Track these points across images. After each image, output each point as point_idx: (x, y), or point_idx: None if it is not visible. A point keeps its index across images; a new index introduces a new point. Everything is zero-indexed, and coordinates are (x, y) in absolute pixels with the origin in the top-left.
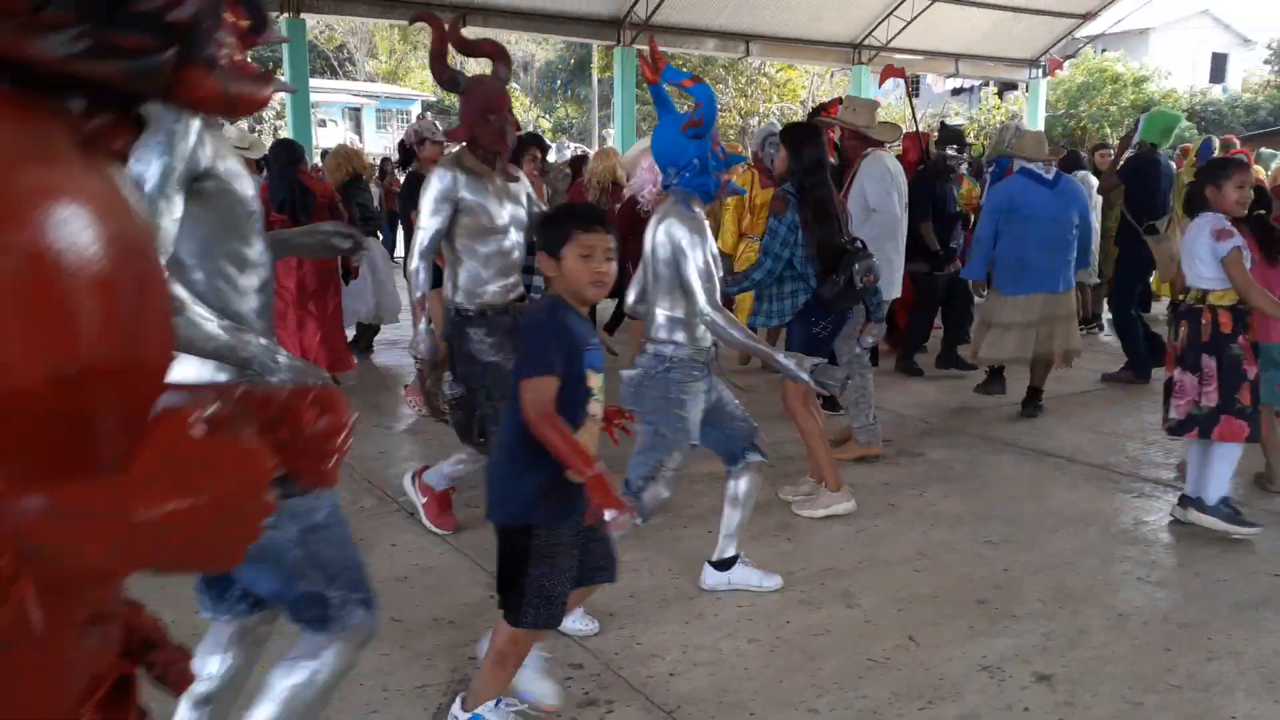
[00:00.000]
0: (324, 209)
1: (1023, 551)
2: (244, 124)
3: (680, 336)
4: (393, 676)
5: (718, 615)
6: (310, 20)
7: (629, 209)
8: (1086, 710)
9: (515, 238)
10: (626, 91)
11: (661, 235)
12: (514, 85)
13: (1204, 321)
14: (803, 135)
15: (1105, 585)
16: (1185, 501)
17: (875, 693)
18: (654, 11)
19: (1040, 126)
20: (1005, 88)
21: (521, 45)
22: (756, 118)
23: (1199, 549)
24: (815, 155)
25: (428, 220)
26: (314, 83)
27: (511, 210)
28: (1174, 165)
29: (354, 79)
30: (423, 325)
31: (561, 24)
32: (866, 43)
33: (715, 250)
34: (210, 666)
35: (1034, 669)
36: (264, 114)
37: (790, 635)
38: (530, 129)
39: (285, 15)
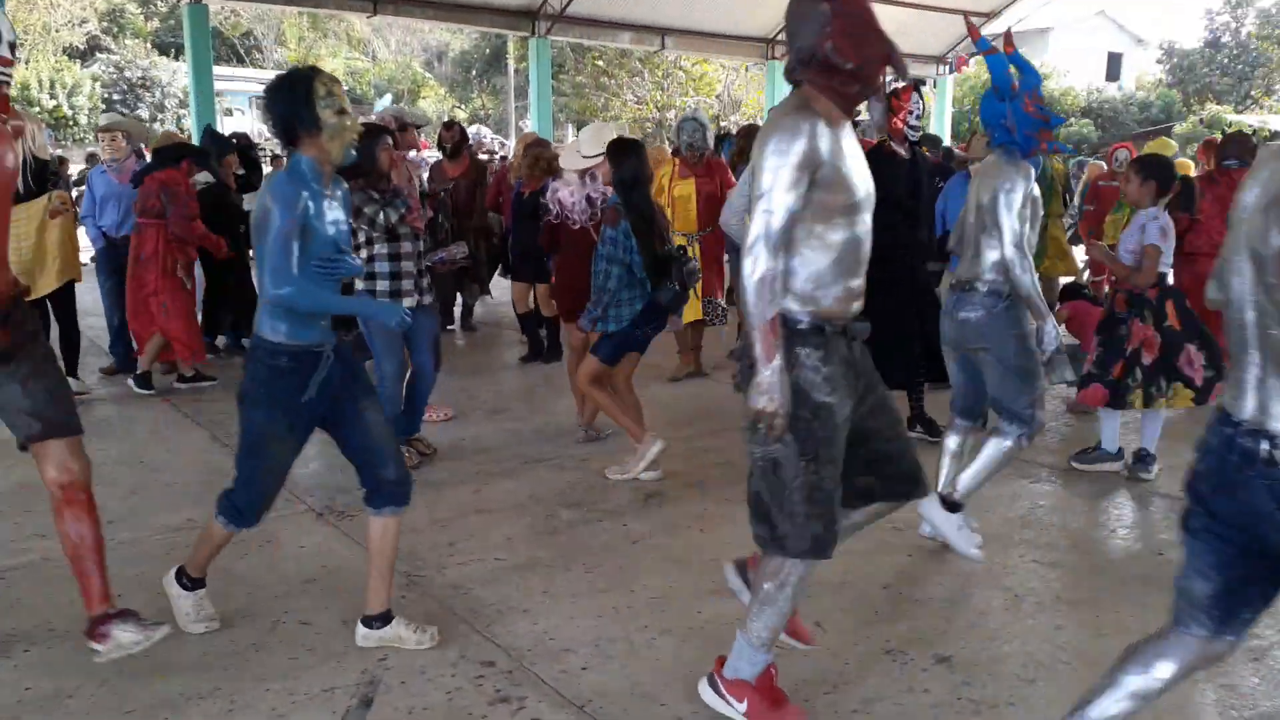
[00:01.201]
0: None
1: (924, 538)
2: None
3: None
4: (300, 680)
5: (631, 608)
6: (214, 5)
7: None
8: (983, 689)
9: (868, 223)
10: (543, 83)
11: (986, 183)
12: (428, 75)
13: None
14: (623, 150)
15: (1003, 568)
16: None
17: (782, 680)
18: (569, 3)
19: (947, 122)
20: (917, 83)
21: (436, 34)
22: (674, 111)
23: (1090, 532)
24: (634, 170)
25: (781, 196)
26: (219, 70)
27: (866, 179)
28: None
29: (262, 67)
30: (777, 362)
31: (475, 14)
32: (780, 38)
33: (1036, 195)
34: None
35: (935, 651)
36: (167, 102)
37: (702, 625)
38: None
39: (187, 2)
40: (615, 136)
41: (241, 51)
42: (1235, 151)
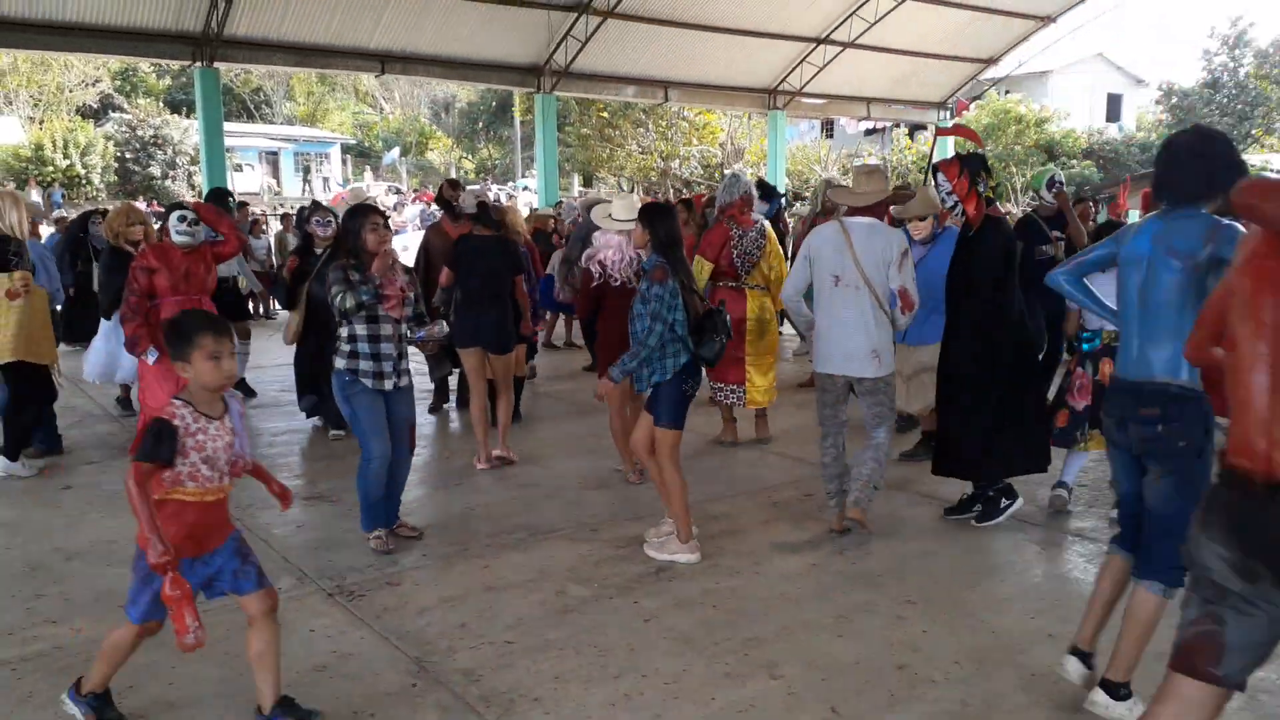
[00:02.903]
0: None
1: (940, 611)
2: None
3: None
4: None
5: (643, 695)
6: (224, 66)
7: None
8: None
9: None
10: (548, 137)
11: None
12: (435, 126)
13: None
14: (659, 213)
15: (1019, 644)
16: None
17: None
18: (573, 59)
19: None
20: (915, 128)
21: (443, 87)
22: (678, 160)
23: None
24: (671, 231)
25: None
26: (229, 126)
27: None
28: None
29: (271, 122)
30: None
31: (482, 71)
32: (781, 88)
33: None
34: None
35: None
36: (178, 159)
37: (717, 713)
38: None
39: (198, 65)
40: (646, 202)
41: (251, 107)
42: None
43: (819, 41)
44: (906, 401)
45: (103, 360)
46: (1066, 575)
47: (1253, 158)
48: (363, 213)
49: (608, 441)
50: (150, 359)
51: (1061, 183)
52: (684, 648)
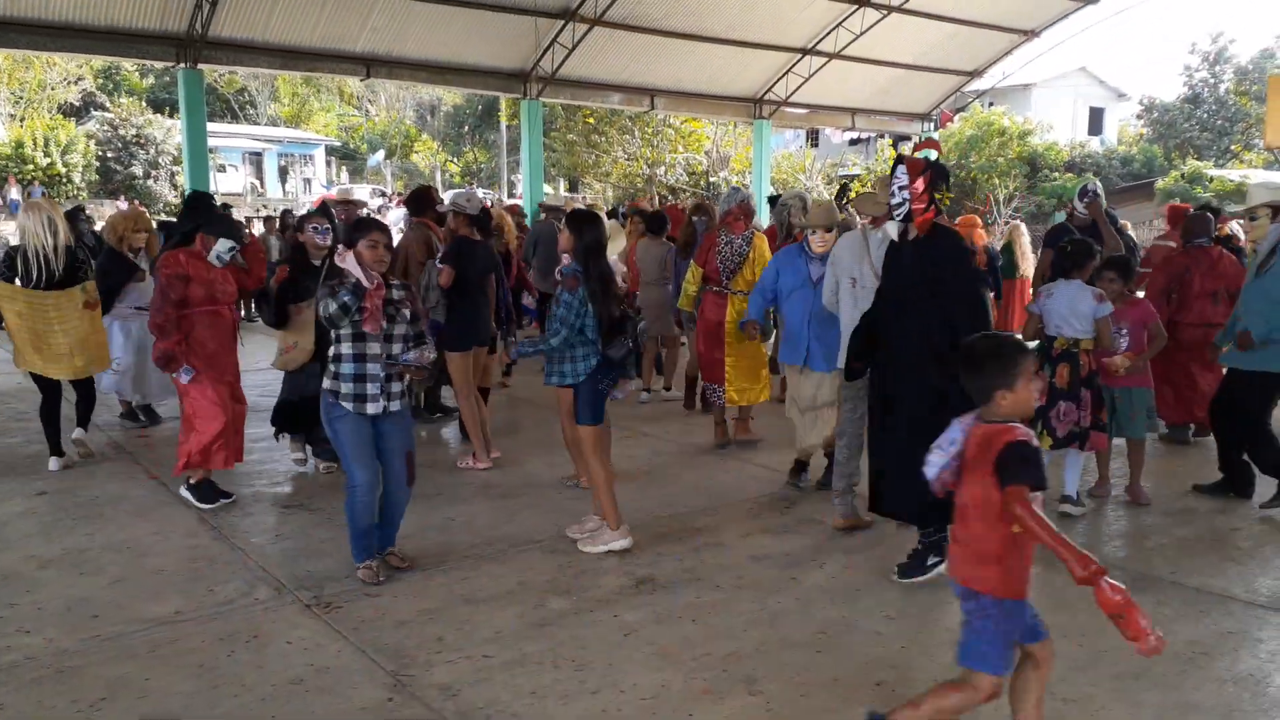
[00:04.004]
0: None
1: (917, 625)
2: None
3: None
4: None
5: (620, 711)
6: (209, 67)
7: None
8: None
9: None
10: (534, 142)
11: None
12: (420, 129)
13: (1082, 362)
14: (584, 220)
15: None
16: (1064, 499)
17: None
18: (560, 65)
19: None
20: (899, 139)
21: (429, 90)
22: (664, 167)
23: (1080, 617)
24: (595, 237)
25: None
26: (213, 127)
27: None
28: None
29: (255, 123)
30: None
31: (467, 77)
32: (766, 97)
33: None
34: None
35: None
36: (161, 159)
37: None
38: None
39: (182, 66)
40: (573, 209)
41: (236, 107)
42: (1201, 230)
43: (805, 52)
44: (806, 434)
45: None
46: (1041, 591)
47: (1231, 173)
48: (364, 228)
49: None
50: (185, 379)
51: (1096, 192)
52: (663, 663)
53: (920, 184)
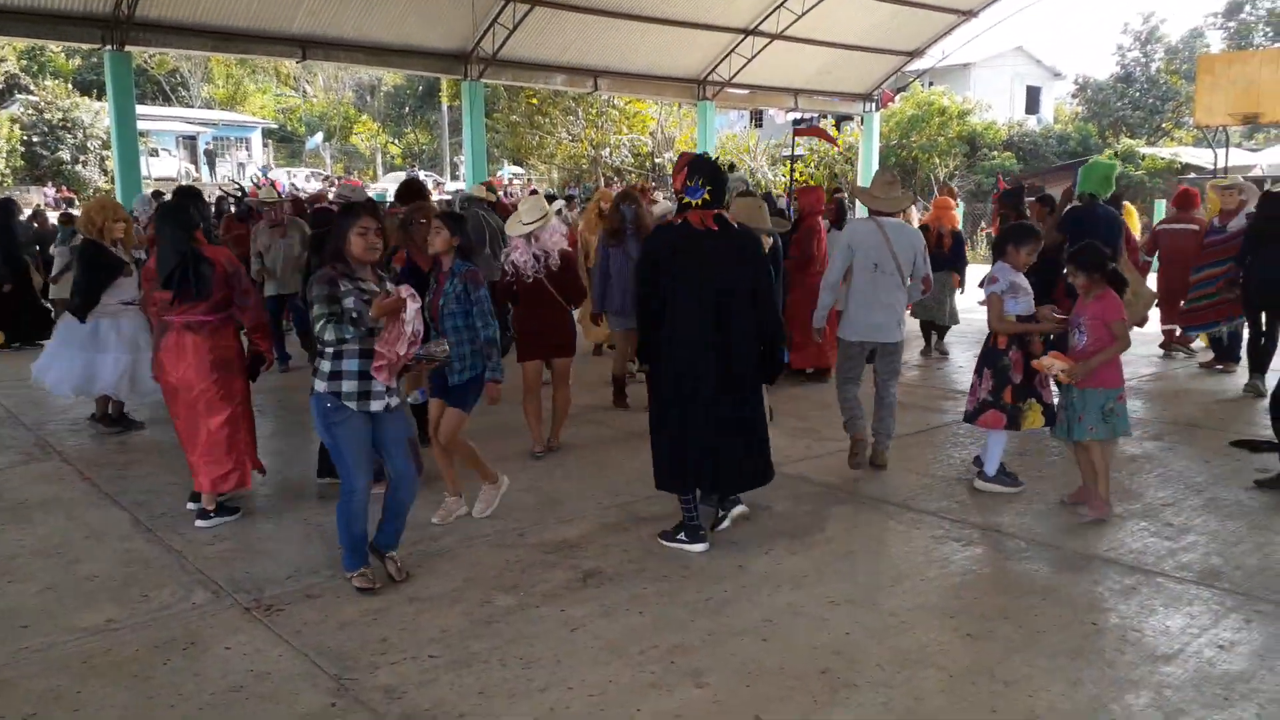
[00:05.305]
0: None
1: (862, 611)
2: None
3: None
4: None
5: (569, 709)
6: (138, 48)
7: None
8: None
9: None
10: (476, 124)
11: None
12: (360, 110)
13: (989, 341)
14: (460, 220)
15: (937, 644)
16: (983, 474)
17: None
18: (501, 46)
19: (875, 156)
20: (842, 119)
21: (368, 70)
22: (609, 148)
23: (1021, 598)
24: (475, 235)
25: None
26: (144, 110)
27: None
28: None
29: (189, 105)
30: None
31: (407, 58)
32: (710, 78)
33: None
34: None
35: None
36: (89, 143)
37: None
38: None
39: (109, 48)
40: (444, 210)
41: (168, 89)
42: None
43: (747, 33)
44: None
45: (78, 370)
46: (982, 573)
47: (1162, 150)
48: (354, 213)
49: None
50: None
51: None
52: (611, 657)
53: (679, 180)
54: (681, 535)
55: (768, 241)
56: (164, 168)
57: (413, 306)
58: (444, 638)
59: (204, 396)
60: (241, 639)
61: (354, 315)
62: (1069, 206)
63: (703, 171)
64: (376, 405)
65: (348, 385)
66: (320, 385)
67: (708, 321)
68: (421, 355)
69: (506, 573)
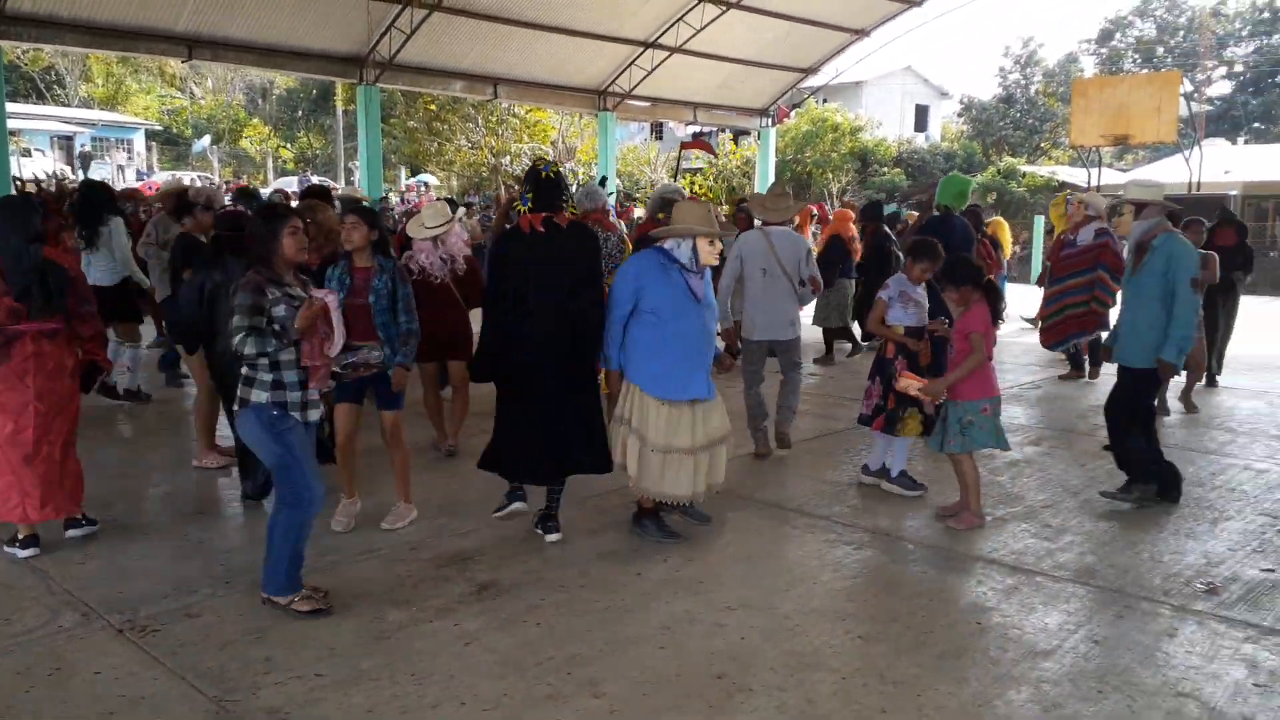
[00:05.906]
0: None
1: (757, 616)
2: None
3: None
4: None
5: None
6: (8, 44)
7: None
8: None
9: None
10: (371, 130)
11: None
12: (250, 113)
13: (880, 350)
14: (372, 212)
15: (830, 647)
16: (867, 471)
17: None
18: (398, 51)
19: (771, 171)
20: (740, 134)
21: (260, 72)
22: (509, 156)
23: (910, 600)
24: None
25: None
26: (15, 108)
27: None
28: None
29: (65, 104)
30: None
31: (299, 60)
32: (610, 89)
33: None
34: None
35: None
36: None
37: None
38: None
39: None
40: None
41: (42, 87)
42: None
43: (647, 45)
44: (678, 480)
45: None
46: (873, 576)
47: (1041, 169)
48: (279, 215)
49: (431, 455)
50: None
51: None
52: (506, 670)
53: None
54: (538, 527)
55: (719, 246)
56: (39, 168)
57: (335, 309)
58: (332, 655)
59: (55, 409)
60: (113, 662)
61: (277, 328)
62: (928, 216)
63: (529, 180)
64: (314, 415)
65: (292, 396)
66: (261, 396)
67: (544, 315)
68: (356, 362)
69: (399, 588)
